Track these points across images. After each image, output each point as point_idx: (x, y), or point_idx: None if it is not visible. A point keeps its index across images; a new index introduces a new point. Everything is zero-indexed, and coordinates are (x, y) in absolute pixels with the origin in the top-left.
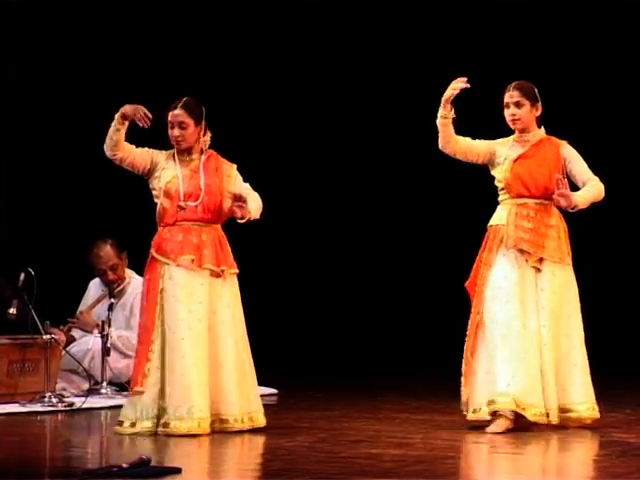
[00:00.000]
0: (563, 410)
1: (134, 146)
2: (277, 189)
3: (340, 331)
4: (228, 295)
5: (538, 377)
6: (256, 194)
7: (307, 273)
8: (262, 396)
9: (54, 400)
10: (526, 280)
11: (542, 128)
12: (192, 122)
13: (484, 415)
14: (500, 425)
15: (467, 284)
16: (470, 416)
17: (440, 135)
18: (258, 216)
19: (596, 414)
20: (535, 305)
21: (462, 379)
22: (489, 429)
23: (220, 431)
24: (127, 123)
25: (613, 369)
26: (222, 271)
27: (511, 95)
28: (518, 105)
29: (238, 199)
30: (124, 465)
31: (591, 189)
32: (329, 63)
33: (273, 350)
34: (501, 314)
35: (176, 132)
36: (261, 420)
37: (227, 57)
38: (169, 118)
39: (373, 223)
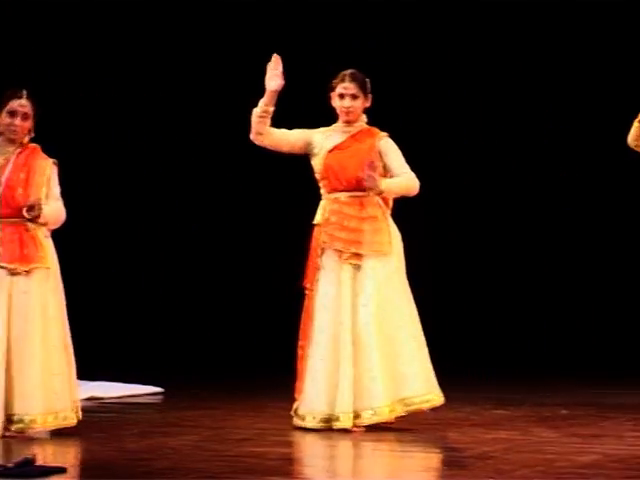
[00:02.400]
0: (407, 404)
1: None
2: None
3: (225, 329)
4: (36, 292)
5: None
6: (59, 204)
7: (191, 273)
8: (147, 395)
9: None
10: (346, 279)
11: (363, 117)
12: (33, 114)
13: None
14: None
15: (304, 283)
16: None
17: (254, 126)
18: (51, 225)
19: (437, 399)
20: (354, 305)
21: None
22: None
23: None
24: None
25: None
26: (16, 269)
27: (346, 87)
28: (354, 97)
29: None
30: (9, 465)
31: (403, 180)
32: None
33: (157, 349)
34: (325, 323)
35: (17, 121)
36: (50, 421)
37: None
38: (13, 106)
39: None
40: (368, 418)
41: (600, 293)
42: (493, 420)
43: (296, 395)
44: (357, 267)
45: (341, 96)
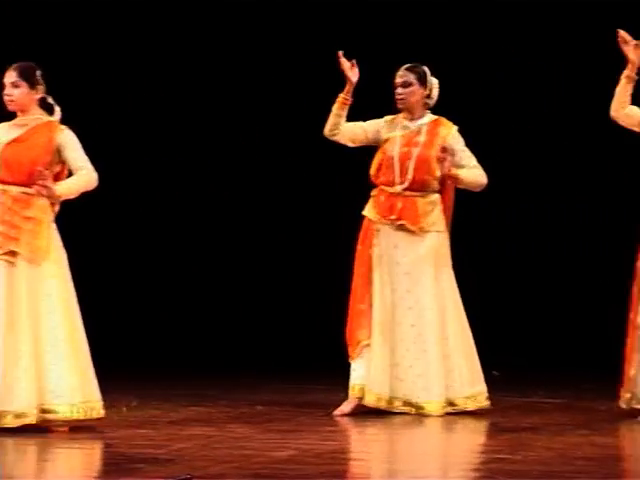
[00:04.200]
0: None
1: None
2: None
3: None
4: None
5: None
6: None
7: None
8: None
9: None
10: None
11: (56, 113)
12: None
13: None
14: None
15: None
16: None
17: None
18: None
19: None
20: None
21: None
22: None
23: None
24: None
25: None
26: None
27: (8, 75)
28: (15, 86)
29: None
30: None
31: (78, 178)
32: None
33: None
34: None
35: None
36: None
37: None
38: None
39: None
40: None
41: (295, 292)
42: (190, 417)
43: None
44: (12, 264)
45: (4, 86)
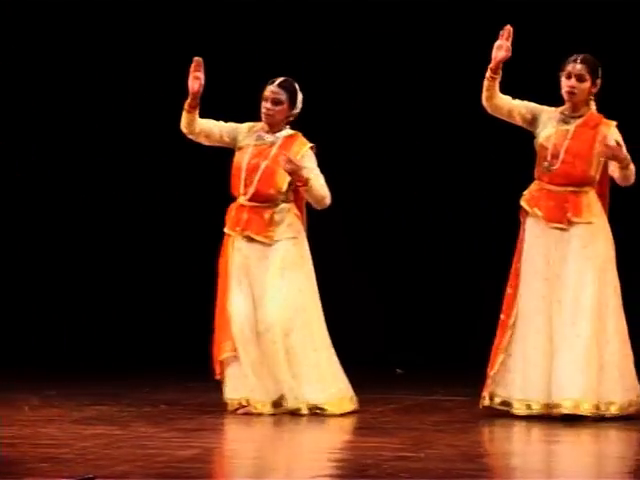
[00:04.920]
0: None
1: None
2: None
3: None
4: None
5: None
6: None
7: None
8: None
9: None
10: None
11: None
12: None
13: None
14: None
15: None
16: None
17: None
18: None
19: None
20: None
21: None
22: None
23: None
24: None
25: None
26: None
27: None
28: None
29: None
30: None
31: None
32: None
33: None
34: None
35: None
36: None
37: None
38: None
39: None
40: None
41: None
42: (92, 416)
43: None
44: None
45: None
